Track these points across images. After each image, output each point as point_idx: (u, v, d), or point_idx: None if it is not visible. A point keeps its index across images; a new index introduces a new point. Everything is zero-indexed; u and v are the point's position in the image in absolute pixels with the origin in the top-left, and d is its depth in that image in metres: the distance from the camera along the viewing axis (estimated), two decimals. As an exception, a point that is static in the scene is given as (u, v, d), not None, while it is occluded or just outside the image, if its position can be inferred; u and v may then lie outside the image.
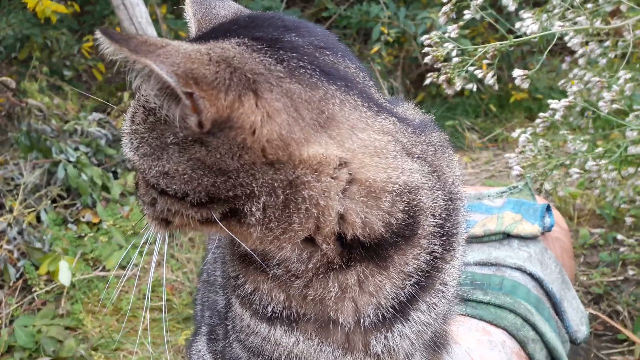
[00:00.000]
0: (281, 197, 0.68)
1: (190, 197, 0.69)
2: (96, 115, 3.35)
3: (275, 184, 0.68)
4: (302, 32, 0.75)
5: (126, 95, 3.58)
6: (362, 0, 4.10)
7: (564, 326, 1.51)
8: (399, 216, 0.73)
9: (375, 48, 3.77)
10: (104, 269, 2.76)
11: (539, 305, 1.43)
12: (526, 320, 1.36)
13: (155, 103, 0.68)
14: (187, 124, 0.66)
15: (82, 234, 2.84)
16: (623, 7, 1.91)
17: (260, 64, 0.68)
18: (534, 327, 1.36)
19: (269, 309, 0.79)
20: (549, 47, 1.85)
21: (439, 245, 0.78)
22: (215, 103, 0.64)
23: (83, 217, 2.93)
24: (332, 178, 0.69)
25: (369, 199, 0.71)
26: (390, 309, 0.77)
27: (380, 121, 0.74)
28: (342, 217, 0.71)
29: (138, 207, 0.93)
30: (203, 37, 0.76)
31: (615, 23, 1.88)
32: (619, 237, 2.27)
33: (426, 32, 3.73)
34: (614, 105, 1.84)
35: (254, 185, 0.68)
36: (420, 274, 0.77)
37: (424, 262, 0.77)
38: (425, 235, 0.76)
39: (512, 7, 1.88)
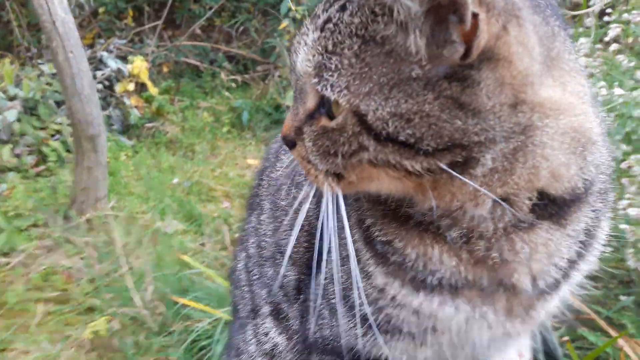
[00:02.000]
0: (512, 145, 0.63)
1: (425, 143, 0.61)
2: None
3: (513, 129, 0.62)
4: None
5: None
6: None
7: None
8: (592, 170, 0.70)
9: (284, 24, 3.65)
10: (-19, 257, 2.37)
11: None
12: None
13: (403, 26, 0.59)
14: (445, 53, 0.58)
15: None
16: None
17: None
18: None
19: (435, 276, 0.72)
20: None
21: (600, 202, 0.76)
22: (490, 29, 0.58)
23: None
24: (557, 126, 0.64)
25: (579, 151, 0.67)
26: (562, 270, 0.74)
27: (581, 64, 0.71)
28: (552, 171, 0.66)
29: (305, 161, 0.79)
30: None
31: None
32: None
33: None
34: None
35: (497, 129, 0.61)
36: (586, 232, 0.74)
37: (590, 219, 0.74)
38: (594, 192, 0.73)
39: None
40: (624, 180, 1.43)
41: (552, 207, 0.69)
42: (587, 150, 0.68)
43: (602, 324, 1.43)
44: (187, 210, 2.93)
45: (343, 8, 0.64)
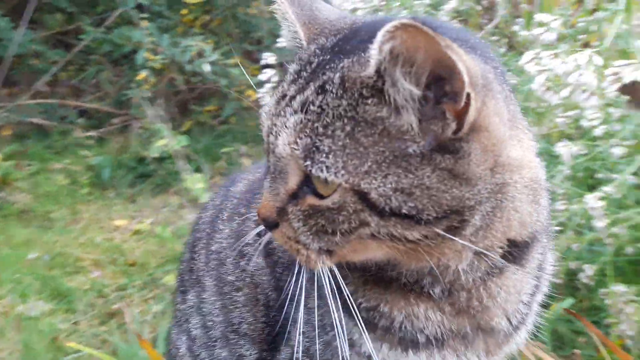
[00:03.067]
0: (492, 203, 0.69)
1: (425, 213, 0.64)
2: None
3: (493, 189, 0.68)
4: (461, 35, 0.75)
5: None
6: (120, 25, 3.82)
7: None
8: (544, 212, 0.77)
9: (143, 74, 3.54)
10: None
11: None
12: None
13: (397, 108, 0.63)
14: (438, 130, 0.63)
15: None
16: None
17: (485, 66, 0.67)
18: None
19: (424, 333, 0.75)
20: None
21: (546, 237, 0.83)
22: (475, 105, 0.63)
23: None
24: (522, 180, 0.71)
25: (537, 199, 0.74)
26: (527, 305, 0.81)
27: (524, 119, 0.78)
28: (521, 221, 0.72)
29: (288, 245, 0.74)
30: (346, 40, 0.71)
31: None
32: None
33: (191, 60, 3.70)
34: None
35: (482, 192, 0.67)
36: (538, 267, 0.81)
37: (540, 255, 0.81)
38: (543, 229, 0.80)
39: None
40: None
41: (516, 252, 0.76)
42: (541, 195, 0.76)
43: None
44: (52, 287, 2.64)
45: (323, 90, 0.65)
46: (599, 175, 1.58)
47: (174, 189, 3.65)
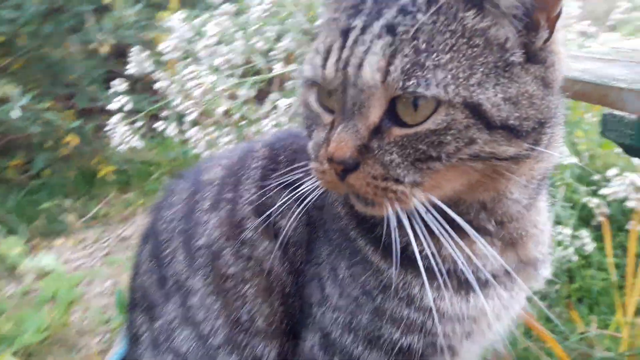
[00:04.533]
0: (557, 118, 0.72)
1: (526, 124, 0.66)
2: None
3: (559, 103, 0.72)
4: None
5: None
6: None
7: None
8: None
9: None
10: None
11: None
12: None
13: (503, 15, 0.66)
14: (533, 38, 0.67)
15: None
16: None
17: None
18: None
19: (482, 272, 0.75)
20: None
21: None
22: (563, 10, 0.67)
23: None
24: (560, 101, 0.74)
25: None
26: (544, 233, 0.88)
27: None
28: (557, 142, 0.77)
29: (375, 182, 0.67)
30: None
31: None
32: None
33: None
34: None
35: (557, 103, 0.71)
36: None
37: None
38: None
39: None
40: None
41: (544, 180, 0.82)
42: None
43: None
44: None
45: (406, 11, 0.65)
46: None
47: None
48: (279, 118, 1.90)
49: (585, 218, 1.93)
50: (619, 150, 2.21)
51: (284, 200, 0.84)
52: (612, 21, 2.80)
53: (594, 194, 1.98)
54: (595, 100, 1.15)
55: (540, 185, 0.82)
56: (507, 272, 0.79)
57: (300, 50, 1.94)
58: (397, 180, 0.66)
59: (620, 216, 2.15)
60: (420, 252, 0.70)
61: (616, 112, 1.11)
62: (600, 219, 1.87)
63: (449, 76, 0.63)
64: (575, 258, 1.81)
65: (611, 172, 1.87)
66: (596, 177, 1.86)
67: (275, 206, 0.85)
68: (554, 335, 1.56)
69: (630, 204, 1.83)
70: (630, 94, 1.04)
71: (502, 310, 0.82)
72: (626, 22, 2.97)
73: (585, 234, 1.85)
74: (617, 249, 2.08)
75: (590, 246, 1.87)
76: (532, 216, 0.82)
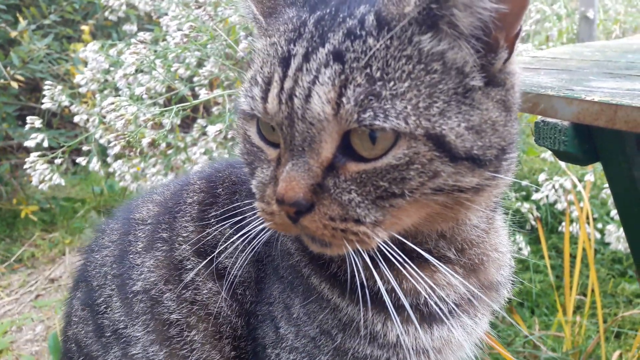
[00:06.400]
0: (514, 143, 0.68)
1: (489, 152, 0.61)
2: None
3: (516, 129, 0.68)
4: None
5: None
6: None
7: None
8: None
9: None
10: None
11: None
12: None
13: (459, 37, 0.60)
14: (492, 60, 0.63)
15: None
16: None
17: None
18: None
19: (446, 302, 0.70)
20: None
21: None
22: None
23: None
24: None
25: None
26: (503, 254, 0.85)
27: None
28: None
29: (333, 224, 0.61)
30: None
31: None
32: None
33: None
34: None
35: (517, 127, 0.67)
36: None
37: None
38: None
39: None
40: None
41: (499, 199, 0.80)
42: None
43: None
44: None
45: (354, 35, 0.58)
46: None
47: None
48: (208, 144, 1.89)
49: (518, 223, 2.01)
50: (544, 155, 2.32)
51: (226, 237, 0.78)
52: (524, 32, 2.97)
53: (525, 199, 2.07)
54: (527, 110, 1.12)
55: (496, 207, 0.79)
56: (469, 300, 0.75)
57: (225, 75, 1.94)
58: (358, 221, 0.60)
59: (551, 219, 2.26)
60: (386, 289, 0.66)
61: (548, 120, 1.10)
62: (534, 223, 1.93)
63: (409, 106, 0.57)
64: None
65: (541, 177, 1.97)
66: (524, 182, 1.98)
67: (218, 245, 0.79)
68: (499, 340, 1.59)
69: (559, 206, 1.95)
70: (560, 101, 1.03)
71: (467, 337, 0.77)
72: (537, 33, 3.14)
73: (520, 238, 1.90)
74: (551, 251, 2.19)
75: (525, 250, 1.92)
76: (492, 239, 0.78)
